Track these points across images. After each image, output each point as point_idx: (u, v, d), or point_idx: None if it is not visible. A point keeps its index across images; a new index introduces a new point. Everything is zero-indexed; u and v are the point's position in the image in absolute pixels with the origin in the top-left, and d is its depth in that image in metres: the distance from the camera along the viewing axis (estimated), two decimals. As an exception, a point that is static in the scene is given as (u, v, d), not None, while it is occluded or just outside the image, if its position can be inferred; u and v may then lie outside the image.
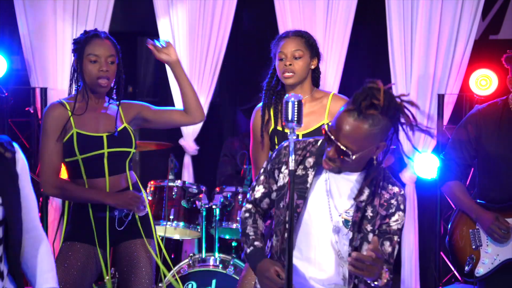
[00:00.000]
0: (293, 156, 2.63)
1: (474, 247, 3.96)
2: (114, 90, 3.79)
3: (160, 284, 5.00)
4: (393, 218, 2.87)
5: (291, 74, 3.84)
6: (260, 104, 4.06)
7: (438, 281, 5.61)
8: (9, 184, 2.61)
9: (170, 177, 5.03)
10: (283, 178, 2.91)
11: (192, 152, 5.78)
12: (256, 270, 2.89)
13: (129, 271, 3.69)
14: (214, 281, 4.73)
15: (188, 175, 5.76)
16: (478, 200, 4.03)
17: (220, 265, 4.80)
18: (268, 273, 2.81)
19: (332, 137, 2.72)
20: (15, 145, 2.68)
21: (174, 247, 5.57)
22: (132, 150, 3.75)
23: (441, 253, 5.62)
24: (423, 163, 5.49)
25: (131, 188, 3.74)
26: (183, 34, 5.62)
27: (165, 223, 4.87)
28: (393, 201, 2.87)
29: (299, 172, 2.87)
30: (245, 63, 6.71)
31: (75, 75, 3.72)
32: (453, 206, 5.59)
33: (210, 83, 5.66)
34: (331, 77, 5.54)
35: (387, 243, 2.87)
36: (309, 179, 2.86)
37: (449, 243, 4.09)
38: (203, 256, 4.87)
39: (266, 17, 5.83)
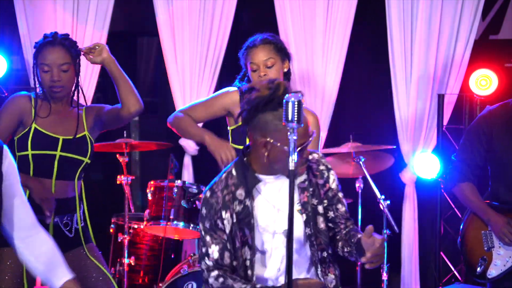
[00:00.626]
0: (293, 156, 2.64)
1: (486, 248, 3.94)
2: (74, 96, 3.74)
3: (160, 284, 5.00)
4: (330, 180, 2.97)
5: None
6: (234, 88, 4.03)
7: (438, 281, 5.61)
8: None
9: (170, 177, 5.03)
10: (228, 223, 2.86)
11: (192, 152, 5.78)
12: None
13: (82, 280, 3.60)
14: (214, 281, 4.72)
15: (188, 175, 5.76)
16: (492, 202, 4.01)
17: (220, 265, 4.80)
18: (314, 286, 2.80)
19: (305, 144, 2.77)
20: (5, 147, 2.67)
21: (174, 247, 5.56)
22: (86, 159, 3.67)
23: (441, 253, 5.62)
24: (423, 163, 5.49)
25: (77, 198, 3.67)
26: (183, 34, 5.62)
27: (165, 223, 4.87)
28: (321, 166, 2.96)
29: (238, 208, 2.85)
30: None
31: (34, 81, 3.71)
32: (453, 206, 5.60)
33: (210, 83, 5.66)
34: (330, 77, 5.54)
35: (339, 205, 2.97)
36: (251, 209, 2.86)
37: (460, 244, 4.08)
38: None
39: (266, 17, 5.83)
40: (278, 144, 2.76)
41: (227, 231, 2.86)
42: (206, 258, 2.87)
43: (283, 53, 3.89)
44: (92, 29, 5.49)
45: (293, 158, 2.63)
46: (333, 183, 2.97)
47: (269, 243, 2.89)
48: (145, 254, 5.30)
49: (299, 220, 2.90)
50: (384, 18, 5.52)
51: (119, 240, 5.00)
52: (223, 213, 2.86)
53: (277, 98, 2.75)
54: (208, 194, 2.92)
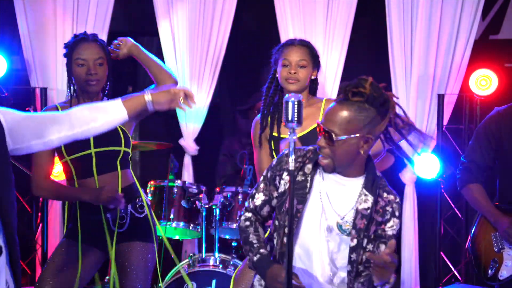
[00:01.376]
0: (293, 156, 2.64)
1: (496, 250, 3.94)
2: (106, 91, 3.82)
3: (160, 284, 5.00)
4: (388, 224, 2.93)
5: (294, 81, 3.85)
6: (259, 115, 4.07)
7: (438, 281, 5.61)
8: None
9: (170, 177, 5.03)
10: (284, 184, 2.94)
11: (192, 152, 5.78)
12: (266, 277, 2.91)
13: (121, 275, 3.71)
14: (214, 281, 4.73)
15: (188, 175, 5.76)
16: (501, 205, 4.01)
17: (220, 265, 4.81)
18: (280, 278, 2.83)
19: (320, 123, 2.82)
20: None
21: (174, 247, 5.56)
22: (122, 148, 3.75)
23: (441, 253, 5.62)
24: (423, 163, 5.48)
25: (120, 188, 3.71)
26: (183, 34, 5.62)
27: (165, 223, 4.88)
28: (388, 207, 2.93)
29: (299, 178, 2.91)
30: (245, 63, 6.71)
31: (68, 79, 3.79)
32: (453, 206, 5.60)
33: (210, 83, 5.66)
34: (330, 77, 5.54)
35: (382, 246, 2.91)
36: (308, 184, 2.90)
37: (472, 248, 4.07)
38: (203, 256, 4.87)
39: (266, 17, 5.83)
40: (375, 136, 2.85)
41: (280, 190, 2.95)
42: (250, 200, 3.03)
43: (316, 61, 3.97)
44: (92, 29, 5.49)
45: (293, 158, 2.64)
46: (389, 229, 2.93)
47: (310, 221, 2.91)
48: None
49: (344, 241, 2.89)
50: (384, 18, 5.52)
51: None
52: (285, 174, 2.95)
53: (383, 100, 2.83)
54: (287, 151, 2.98)
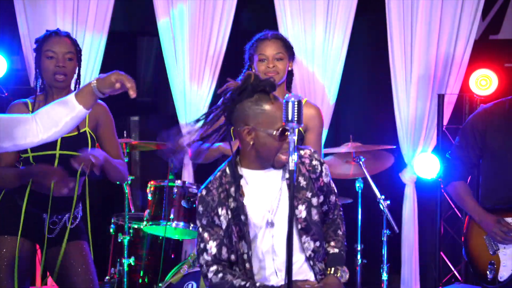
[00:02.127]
0: (293, 156, 2.64)
1: (491, 252, 3.92)
2: (76, 88, 3.76)
3: (160, 284, 5.00)
4: (323, 174, 3.05)
5: (274, 73, 3.87)
6: None
7: (438, 281, 5.61)
8: None
9: (170, 177, 5.03)
10: (224, 218, 2.93)
11: (192, 152, 5.78)
12: None
13: (68, 273, 3.66)
14: (214, 281, 4.72)
15: (188, 175, 5.76)
16: (484, 206, 3.99)
17: (220, 265, 4.80)
18: None
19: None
20: None
21: (174, 247, 5.56)
22: None
23: (441, 253, 5.62)
24: (423, 163, 5.49)
25: (75, 196, 3.67)
26: (183, 34, 5.61)
27: (165, 223, 4.87)
28: (314, 161, 3.03)
29: (233, 205, 2.93)
30: (245, 63, 6.70)
31: (36, 73, 3.76)
32: (453, 206, 5.60)
33: (210, 83, 5.66)
34: (331, 77, 5.54)
35: (332, 197, 3.10)
36: (241, 205, 2.93)
37: (466, 253, 4.04)
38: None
39: (266, 17, 5.83)
40: (261, 129, 2.86)
41: (224, 227, 2.93)
42: (205, 253, 2.94)
43: (291, 52, 3.99)
44: (92, 29, 5.49)
45: (293, 158, 2.64)
46: (326, 177, 3.06)
47: (261, 236, 2.95)
48: (145, 254, 5.30)
49: (274, 223, 2.95)
50: (384, 18, 5.52)
51: (119, 240, 5.00)
52: (219, 209, 2.93)
53: (250, 85, 2.86)
54: (204, 192, 2.99)
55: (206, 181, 3.02)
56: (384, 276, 5.01)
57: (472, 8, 5.46)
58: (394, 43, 5.50)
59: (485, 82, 5.47)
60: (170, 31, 5.63)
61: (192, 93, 5.66)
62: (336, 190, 3.14)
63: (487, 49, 5.85)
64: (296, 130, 2.78)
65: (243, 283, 2.89)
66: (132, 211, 5.23)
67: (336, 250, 3.06)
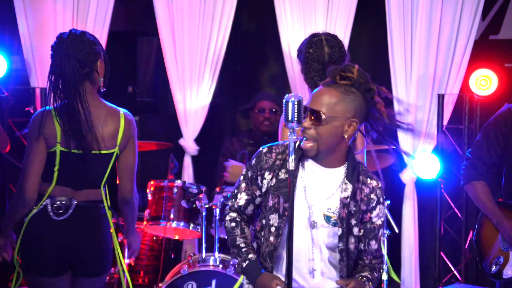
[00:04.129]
0: (293, 156, 2.64)
1: (503, 248, 3.92)
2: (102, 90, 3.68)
3: (160, 284, 5.00)
4: (374, 213, 2.95)
5: None
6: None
7: (438, 281, 5.61)
8: None
9: (170, 177, 5.03)
10: (267, 183, 2.94)
11: (192, 152, 5.78)
12: (256, 284, 2.91)
13: None
14: (214, 281, 4.73)
15: (188, 175, 5.76)
16: (506, 201, 3.99)
17: (220, 265, 4.80)
18: None
19: (306, 105, 2.81)
20: None
21: (174, 247, 5.57)
22: (106, 172, 3.58)
23: (441, 253, 5.62)
24: (423, 163, 5.48)
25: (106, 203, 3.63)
26: (183, 34, 5.62)
27: (165, 223, 4.88)
28: (372, 195, 2.95)
29: (282, 176, 2.92)
30: (245, 63, 6.71)
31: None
32: (453, 206, 5.60)
33: (210, 83, 5.66)
34: (331, 77, 5.54)
35: (373, 242, 2.97)
36: (293, 183, 2.86)
37: (475, 242, 4.04)
38: (203, 256, 4.87)
39: (266, 17, 5.83)
40: (359, 122, 2.89)
41: (263, 190, 2.95)
42: (234, 199, 3.01)
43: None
44: (92, 29, 5.49)
45: (293, 158, 2.64)
46: (375, 217, 2.96)
47: (298, 232, 2.90)
48: (145, 254, 5.30)
49: (333, 231, 2.91)
50: (384, 18, 5.52)
51: (119, 240, 5.00)
52: (267, 173, 2.94)
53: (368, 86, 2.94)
54: (265, 150, 2.98)
55: (273, 143, 3.01)
56: (384, 276, 5.01)
57: (472, 8, 5.46)
58: (394, 43, 5.50)
59: (485, 82, 5.47)
60: (170, 32, 5.63)
61: (192, 93, 5.66)
62: (381, 241, 3.02)
63: (487, 49, 5.85)
64: None
65: (242, 245, 2.95)
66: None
67: (369, 276, 2.95)
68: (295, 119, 2.63)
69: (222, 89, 6.80)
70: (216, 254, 4.86)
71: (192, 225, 4.98)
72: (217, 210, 4.86)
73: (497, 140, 3.96)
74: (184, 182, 5.03)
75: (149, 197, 5.00)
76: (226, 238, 3.06)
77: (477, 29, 5.53)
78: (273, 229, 2.90)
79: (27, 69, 5.59)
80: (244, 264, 2.93)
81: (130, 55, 6.94)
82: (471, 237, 4.10)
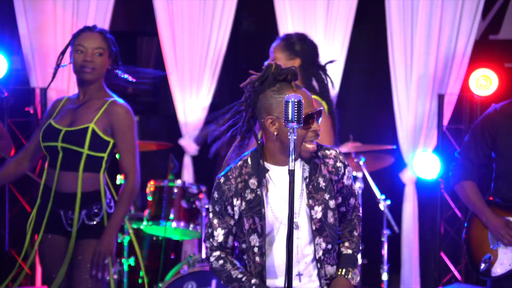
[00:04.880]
0: (293, 156, 2.64)
1: (492, 246, 3.93)
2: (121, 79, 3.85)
3: (160, 284, 5.00)
4: (345, 177, 3.00)
5: None
6: None
7: (438, 281, 5.61)
8: None
9: (170, 177, 5.03)
10: (238, 209, 2.91)
11: (192, 152, 5.78)
12: None
13: (72, 265, 3.69)
14: (214, 281, 4.73)
15: (188, 175, 5.76)
16: (494, 200, 4.00)
17: (220, 265, 4.80)
18: None
19: (310, 113, 2.80)
20: None
21: (174, 247, 5.57)
22: (84, 151, 3.66)
23: (441, 253, 5.61)
24: (423, 163, 5.49)
25: (79, 192, 3.69)
26: (183, 34, 5.62)
27: (165, 223, 4.88)
28: (338, 163, 2.98)
29: (249, 197, 2.90)
30: (245, 63, 6.71)
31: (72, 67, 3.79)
32: (453, 206, 5.60)
33: (210, 83, 5.66)
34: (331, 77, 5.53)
35: (351, 199, 3.05)
36: (262, 198, 2.90)
37: (465, 241, 4.06)
38: (203, 256, 4.87)
39: (266, 17, 5.83)
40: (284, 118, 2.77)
41: (236, 217, 2.93)
42: (211, 238, 2.97)
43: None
44: (92, 29, 5.49)
45: (293, 158, 2.63)
46: (347, 180, 3.02)
47: (278, 232, 2.92)
48: (145, 254, 5.30)
49: (307, 214, 2.92)
50: (384, 18, 5.52)
51: (119, 240, 5.00)
52: (235, 200, 2.91)
53: (271, 75, 2.83)
54: (222, 179, 2.96)
55: (226, 169, 2.99)
56: (384, 276, 5.01)
57: (472, 8, 5.46)
58: (394, 43, 5.50)
59: (485, 82, 5.47)
60: (170, 31, 5.63)
61: (192, 93, 5.66)
62: (356, 192, 3.10)
63: (487, 49, 5.85)
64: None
65: (240, 276, 2.91)
66: (132, 211, 5.23)
67: (350, 251, 3.01)
68: (295, 119, 2.63)
69: (222, 89, 6.80)
70: (216, 254, 4.86)
71: (192, 225, 4.98)
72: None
73: (485, 140, 3.98)
74: (184, 182, 5.04)
75: (149, 197, 5.00)
76: (219, 279, 2.99)
77: (477, 29, 5.53)
78: (256, 249, 2.90)
79: (27, 69, 5.59)
80: None
81: (130, 55, 6.94)
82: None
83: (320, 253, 2.94)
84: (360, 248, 3.09)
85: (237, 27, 5.91)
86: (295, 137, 2.66)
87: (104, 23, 5.56)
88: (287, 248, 2.62)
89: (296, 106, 2.63)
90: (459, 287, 5.33)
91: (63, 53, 3.81)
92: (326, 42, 5.52)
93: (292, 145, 2.64)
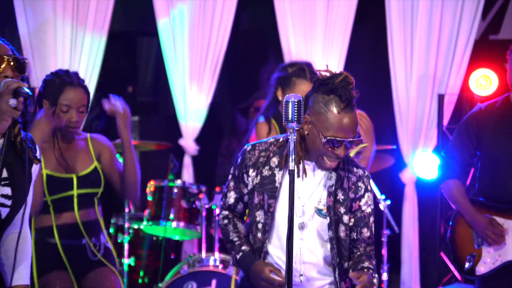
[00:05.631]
0: (293, 156, 2.64)
1: (476, 245, 3.96)
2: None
3: (160, 284, 5.00)
4: (363, 201, 2.99)
5: None
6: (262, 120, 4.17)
7: (438, 281, 5.61)
8: (24, 185, 2.62)
9: (170, 177, 5.03)
10: (252, 181, 2.98)
11: (192, 152, 5.78)
12: (250, 274, 2.95)
13: None
14: (214, 281, 4.73)
15: (188, 175, 5.76)
16: (479, 198, 4.02)
17: (220, 265, 4.81)
18: (263, 275, 2.87)
19: (338, 139, 2.81)
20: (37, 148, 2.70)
21: (174, 247, 5.57)
22: (100, 190, 3.81)
23: (441, 253, 5.62)
24: (423, 163, 5.49)
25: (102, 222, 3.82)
26: (183, 34, 5.62)
27: (165, 223, 4.88)
28: (360, 183, 2.98)
29: (265, 173, 2.96)
30: (245, 63, 6.71)
31: (39, 102, 3.80)
32: (453, 206, 5.60)
33: (210, 83, 5.66)
34: (331, 77, 5.54)
35: (364, 230, 3.01)
36: (277, 178, 2.95)
37: (450, 240, 4.09)
38: (203, 256, 4.87)
39: (266, 17, 5.83)
40: (317, 127, 2.83)
41: (249, 187, 3.00)
42: (224, 198, 3.09)
43: None
44: (92, 29, 5.49)
45: (293, 158, 2.64)
46: (364, 205, 2.99)
47: (285, 216, 2.91)
48: (145, 254, 5.30)
49: (325, 222, 2.94)
50: (384, 18, 5.52)
51: (119, 241, 5.00)
52: (251, 170, 2.98)
53: (331, 84, 2.83)
54: (248, 148, 3.03)
55: (258, 141, 3.08)
56: (384, 276, 5.01)
57: (472, 8, 5.46)
58: (394, 43, 5.50)
59: (485, 82, 5.46)
60: (170, 31, 5.63)
61: (192, 93, 5.66)
62: (373, 228, 3.03)
63: (487, 49, 5.85)
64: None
65: (235, 239, 3.02)
66: (132, 211, 5.23)
67: (372, 267, 2.98)
68: (295, 119, 2.63)
69: (222, 89, 6.81)
70: (216, 254, 4.86)
71: (192, 225, 4.98)
72: (217, 210, 4.87)
73: (470, 139, 4.00)
74: (184, 182, 5.04)
75: (149, 197, 5.00)
76: (222, 235, 3.13)
77: (477, 29, 5.53)
78: (259, 225, 2.96)
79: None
80: (238, 256, 2.99)
81: (130, 55, 6.95)
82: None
83: (327, 262, 2.96)
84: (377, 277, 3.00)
85: (237, 27, 5.91)
86: (295, 138, 2.66)
87: (104, 23, 5.55)
88: (287, 248, 2.62)
89: (296, 106, 2.63)
90: (459, 287, 5.33)
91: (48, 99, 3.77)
92: (326, 42, 5.52)
93: (292, 145, 2.65)
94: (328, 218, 2.93)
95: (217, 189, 5.11)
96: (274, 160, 2.95)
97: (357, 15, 5.55)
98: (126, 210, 4.92)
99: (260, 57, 6.70)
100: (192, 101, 5.67)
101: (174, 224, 4.91)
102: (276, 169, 2.94)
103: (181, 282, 4.73)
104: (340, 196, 2.94)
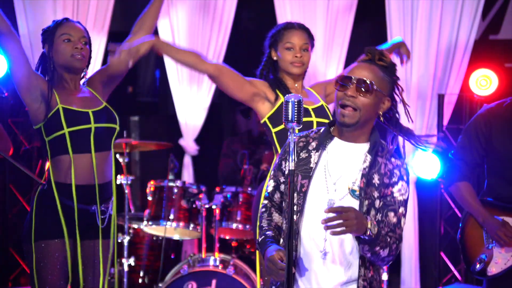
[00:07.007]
0: (293, 156, 2.64)
1: (487, 246, 3.95)
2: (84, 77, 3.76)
3: (160, 284, 5.00)
4: (396, 187, 2.92)
5: (300, 64, 3.90)
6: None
7: (438, 281, 5.61)
8: None
9: (170, 177, 5.03)
10: (287, 167, 2.98)
11: (192, 152, 5.78)
12: (264, 257, 2.93)
13: (88, 270, 3.64)
14: (214, 281, 4.73)
15: (188, 175, 5.76)
16: (487, 198, 4.02)
17: (220, 265, 4.81)
18: (271, 257, 2.84)
19: (349, 74, 2.91)
20: None
21: (174, 247, 5.57)
22: (117, 127, 3.68)
23: (441, 253, 5.62)
24: (423, 163, 5.49)
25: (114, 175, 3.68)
26: (183, 34, 5.62)
27: (165, 223, 4.88)
28: (396, 170, 2.94)
29: (302, 155, 2.95)
30: (245, 63, 6.71)
31: (48, 64, 3.75)
32: (453, 206, 5.60)
33: (210, 83, 5.66)
34: (331, 77, 5.53)
35: (391, 214, 2.90)
36: (313, 159, 2.93)
37: (460, 240, 4.08)
38: (203, 256, 4.87)
39: (266, 17, 5.83)
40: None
41: (285, 173, 2.99)
42: (267, 187, 3.08)
43: (313, 43, 4.02)
44: (92, 29, 5.49)
45: (293, 158, 2.64)
46: (398, 193, 2.92)
47: (317, 196, 2.92)
48: (145, 254, 5.30)
49: (352, 202, 2.90)
50: (384, 18, 5.52)
51: (119, 240, 5.00)
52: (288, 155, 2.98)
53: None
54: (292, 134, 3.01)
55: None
56: (384, 276, 5.01)
57: (472, 8, 5.46)
58: (394, 43, 5.50)
59: (485, 82, 5.47)
60: (170, 31, 5.63)
61: (192, 93, 5.66)
62: (404, 215, 2.92)
63: (487, 49, 5.85)
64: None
65: (264, 225, 3.00)
66: (132, 211, 5.23)
67: (381, 232, 2.86)
68: (295, 119, 2.63)
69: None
70: (216, 254, 4.86)
71: (192, 225, 4.98)
72: (217, 210, 4.87)
73: (479, 141, 4.00)
74: (184, 182, 5.04)
75: (149, 197, 5.00)
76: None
77: (477, 29, 5.53)
78: (295, 207, 2.92)
79: (27, 69, 5.59)
80: (260, 239, 2.98)
81: (130, 55, 6.92)
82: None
83: (351, 244, 2.91)
84: (393, 253, 2.88)
85: (237, 27, 5.91)
86: (295, 137, 2.66)
87: (104, 23, 5.56)
88: (287, 248, 2.62)
89: (296, 106, 2.63)
90: (459, 287, 5.33)
91: (47, 56, 3.77)
92: (326, 42, 5.52)
93: (292, 145, 2.65)
94: (359, 199, 2.91)
95: (217, 189, 5.11)
96: (313, 144, 2.96)
97: (357, 15, 5.55)
98: (126, 210, 4.93)
99: (260, 56, 6.69)
100: (192, 101, 5.67)
101: (174, 224, 4.91)
102: (313, 151, 2.94)
103: (181, 282, 4.73)
104: (376, 180, 2.91)
